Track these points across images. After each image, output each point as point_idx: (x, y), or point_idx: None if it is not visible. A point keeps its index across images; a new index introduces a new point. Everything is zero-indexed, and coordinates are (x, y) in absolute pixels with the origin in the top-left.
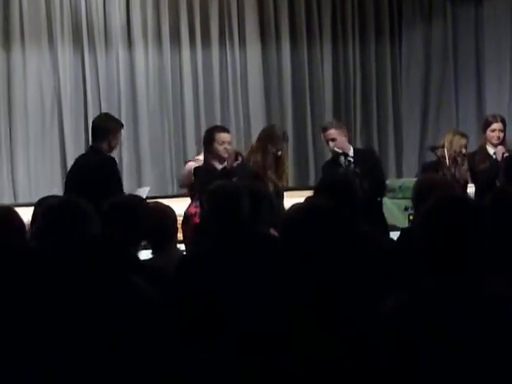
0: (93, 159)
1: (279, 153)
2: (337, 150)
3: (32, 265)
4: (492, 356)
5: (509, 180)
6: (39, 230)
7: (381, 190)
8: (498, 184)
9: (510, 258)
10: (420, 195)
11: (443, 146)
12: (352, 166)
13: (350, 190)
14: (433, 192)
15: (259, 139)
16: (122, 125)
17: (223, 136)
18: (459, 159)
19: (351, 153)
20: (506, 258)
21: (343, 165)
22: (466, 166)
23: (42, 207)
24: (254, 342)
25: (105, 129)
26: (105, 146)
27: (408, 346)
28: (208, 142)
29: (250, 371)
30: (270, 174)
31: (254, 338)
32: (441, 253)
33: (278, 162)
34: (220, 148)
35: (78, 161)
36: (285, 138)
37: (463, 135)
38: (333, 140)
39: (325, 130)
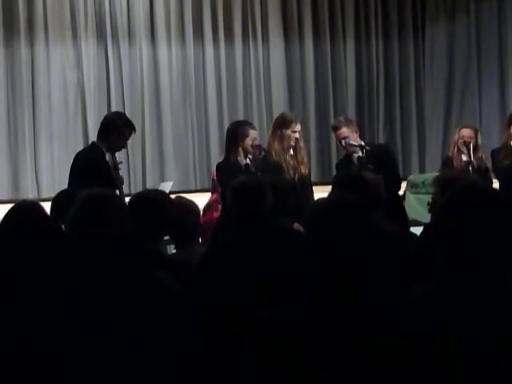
0: (82, 156)
1: (295, 134)
2: (353, 142)
3: (73, 252)
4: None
5: None
6: (76, 218)
7: (396, 184)
8: None
9: None
10: (440, 189)
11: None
12: (365, 161)
13: (364, 186)
14: (451, 185)
15: (272, 128)
16: (134, 128)
17: (255, 132)
18: (464, 149)
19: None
20: None
21: (356, 162)
22: (480, 154)
23: (82, 196)
24: (275, 339)
25: (110, 127)
26: (104, 144)
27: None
28: (240, 137)
29: (272, 368)
30: (290, 159)
31: (275, 335)
32: (460, 246)
33: (296, 146)
34: (251, 143)
35: (74, 157)
36: (296, 120)
37: (466, 126)
38: (345, 138)
39: (336, 129)
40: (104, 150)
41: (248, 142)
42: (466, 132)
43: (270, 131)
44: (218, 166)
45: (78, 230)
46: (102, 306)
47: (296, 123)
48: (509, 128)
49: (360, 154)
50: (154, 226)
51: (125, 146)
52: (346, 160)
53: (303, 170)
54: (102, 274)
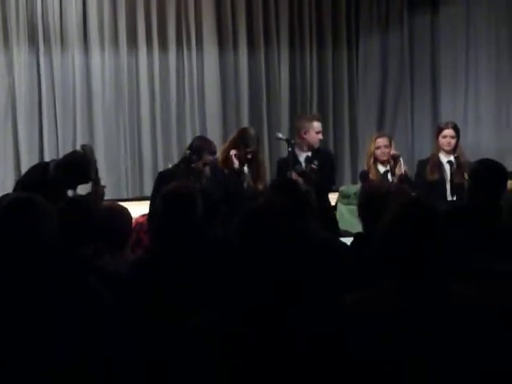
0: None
1: (249, 155)
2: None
3: None
4: (448, 355)
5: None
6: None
7: (329, 185)
8: None
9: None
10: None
11: None
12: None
13: (301, 192)
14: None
15: (233, 137)
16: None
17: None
18: (383, 158)
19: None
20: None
21: (302, 160)
22: (400, 163)
23: (2, 204)
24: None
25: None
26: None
27: (371, 341)
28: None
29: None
30: (246, 171)
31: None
32: (403, 257)
33: (256, 164)
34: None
35: None
36: (258, 140)
37: (381, 136)
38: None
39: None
40: None
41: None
42: (382, 141)
43: (229, 140)
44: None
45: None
46: (29, 312)
47: (257, 142)
48: (437, 138)
49: (289, 149)
50: (83, 231)
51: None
52: (288, 159)
53: (257, 186)
54: (28, 278)
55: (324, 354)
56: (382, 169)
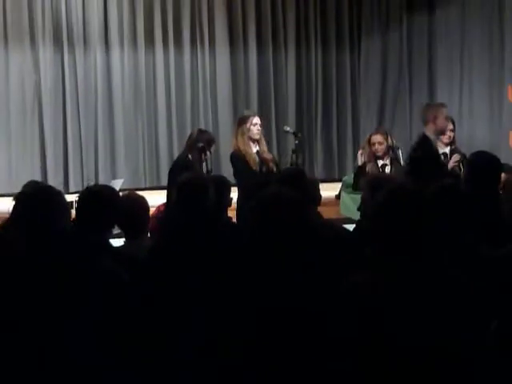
0: None
1: (255, 127)
2: (289, 129)
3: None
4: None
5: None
6: (16, 216)
7: None
8: None
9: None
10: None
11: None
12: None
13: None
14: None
15: (235, 130)
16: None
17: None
18: (379, 153)
19: None
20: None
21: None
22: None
23: (18, 196)
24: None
25: None
26: None
27: (370, 319)
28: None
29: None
30: (252, 152)
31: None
32: (395, 239)
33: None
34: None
35: None
36: (253, 114)
37: (376, 132)
38: None
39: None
40: None
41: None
42: (376, 138)
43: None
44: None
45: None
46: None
47: (253, 116)
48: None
49: (296, 141)
50: (102, 218)
51: None
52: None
53: (270, 164)
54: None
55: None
56: (380, 162)
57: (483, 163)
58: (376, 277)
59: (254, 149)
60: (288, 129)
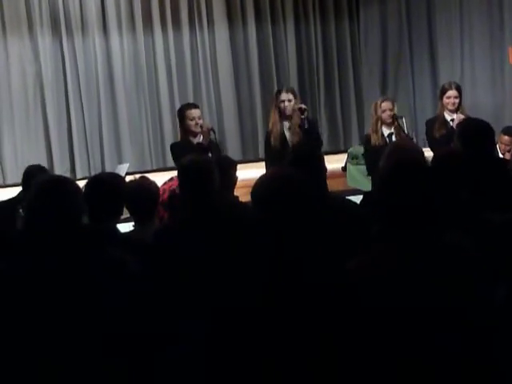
0: None
1: (284, 103)
2: (302, 106)
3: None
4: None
5: (464, 143)
6: (31, 205)
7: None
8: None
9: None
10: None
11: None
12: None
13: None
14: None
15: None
16: None
17: (193, 112)
18: (389, 121)
19: None
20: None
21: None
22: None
23: (34, 185)
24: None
25: None
26: None
27: (372, 298)
28: (180, 119)
29: (224, 345)
30: (282, 128)
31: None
32: (400, 211)
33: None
34: (191, 124)
35: None
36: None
37: (386, 99)
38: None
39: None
40: None
41: (187, 122)
42: (387, 105)
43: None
44: (171, 146)
45: (33, 214)
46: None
47: (284, 92)
48: (441, 99)
49: (302, 116)
50: (109, 205)
51: None
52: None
53: (294, 139)
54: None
55: (337, 307)
56: (386, 131)
57: (472, 133)
58: (389, 248)
59: (287, 124)
60: (302, 106)
